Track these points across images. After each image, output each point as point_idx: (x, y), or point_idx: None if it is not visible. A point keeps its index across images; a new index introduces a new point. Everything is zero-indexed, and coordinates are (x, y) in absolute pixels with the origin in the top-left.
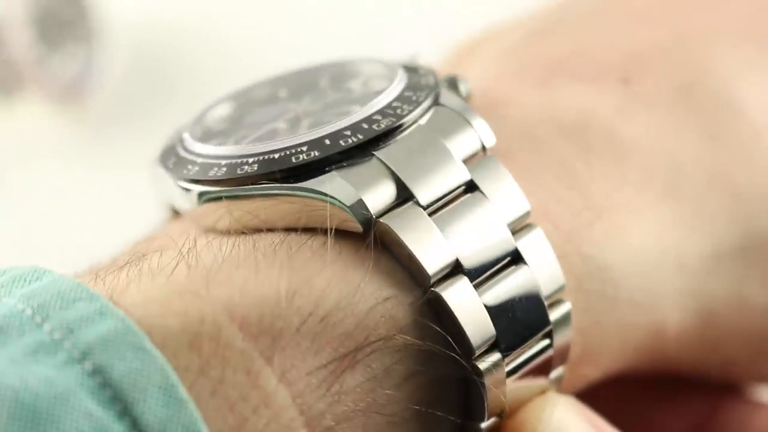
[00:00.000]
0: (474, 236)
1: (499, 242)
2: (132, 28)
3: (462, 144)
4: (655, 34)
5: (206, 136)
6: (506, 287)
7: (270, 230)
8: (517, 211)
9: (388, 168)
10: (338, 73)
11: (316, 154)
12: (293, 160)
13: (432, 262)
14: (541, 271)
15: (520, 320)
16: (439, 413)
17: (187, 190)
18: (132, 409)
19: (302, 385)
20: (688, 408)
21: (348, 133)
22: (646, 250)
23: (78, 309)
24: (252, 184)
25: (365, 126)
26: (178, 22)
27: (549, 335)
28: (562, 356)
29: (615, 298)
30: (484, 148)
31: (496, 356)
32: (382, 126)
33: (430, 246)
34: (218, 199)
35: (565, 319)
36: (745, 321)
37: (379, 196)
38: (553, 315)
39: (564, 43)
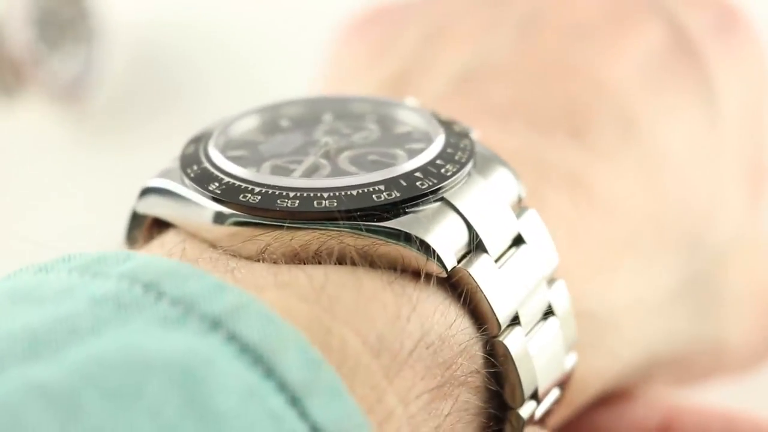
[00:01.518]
0: (525, 289)
1: (541, 297)
2: (132, 28)
3: (508, 194)
4: (579, 87)
5: (242, 161)
6: (543, 338)
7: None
8: (551, 265)
9: (461, 215)
10: (344, 110)
11: (397, 194)
12: (374, 198)
13: (503, 314)
14: (565, 323)
15: (548, 369)
16: None
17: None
18: (276, 370)
19: (415, 408)
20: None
21: (420, 175)
22: (622, 303)
23: (192, 285)
24: (328, 219)
25: (433, 170)
26: (178, 22)
27: (560, 384)
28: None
29: (600, 350)
30: (519, 198)
31: (532, 404)
32: (450, 172)
33: (502, 297)
34: (251, 225)
35: (572, 370)
36: (674, 352)
37: (457, 242)
38: (567, 366)
39: (503, 92)
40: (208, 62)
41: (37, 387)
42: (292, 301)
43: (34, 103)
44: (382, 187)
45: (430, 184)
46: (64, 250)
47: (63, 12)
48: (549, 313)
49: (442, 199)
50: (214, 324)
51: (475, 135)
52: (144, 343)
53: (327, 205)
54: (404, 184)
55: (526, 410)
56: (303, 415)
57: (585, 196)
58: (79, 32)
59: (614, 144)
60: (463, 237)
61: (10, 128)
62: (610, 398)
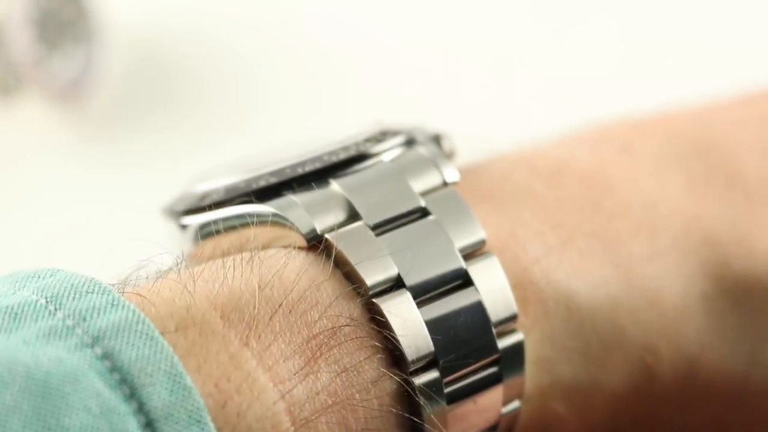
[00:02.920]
0: (419, 255)
1: (447, 263)
2: (132, 28)
3: (421, 178)
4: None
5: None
6: (449, 305)
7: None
8: (471, 237)
9: (340, 192)
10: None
11: (274, 180)
12: (253, 186)
13: (371, 274)
14: (491, 296)
15: (462, 341)
16: (416, 420)
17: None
18: (139, 393)
19: (281, 371)
20: None
21: (307, 164)
22: (613, 282)
23: (90, 300)
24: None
25: (326, 158)
26: (178, 22)
27: (498, 364)
28: (515, 389)
29: (582, 328)
30: (445, 183)
31: (434, 374)
32: (341, 156)
33: (370, 259)
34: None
35: (515, 349)
36: (728, 378)
37: (328, 216)
38: (503, 343)
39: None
40: (208, 63)
41: None
42: (164, 287)
43: (33, 103)
44: (267, 177)
45: (312, 168)
46: (61, 250)
47: (63, 12)
48: (469, 285)
49: (327, 182)
50: (95, 339)
51: (447, 143)
52: (17, 351)
53: (215, 197)
54: (288, 171)
55: (422, 378)
56: None
57: (575, 178)
58: (79, 32)
59: (666, 153)
60: (339, 211)
61: (10, 128)
62: None
